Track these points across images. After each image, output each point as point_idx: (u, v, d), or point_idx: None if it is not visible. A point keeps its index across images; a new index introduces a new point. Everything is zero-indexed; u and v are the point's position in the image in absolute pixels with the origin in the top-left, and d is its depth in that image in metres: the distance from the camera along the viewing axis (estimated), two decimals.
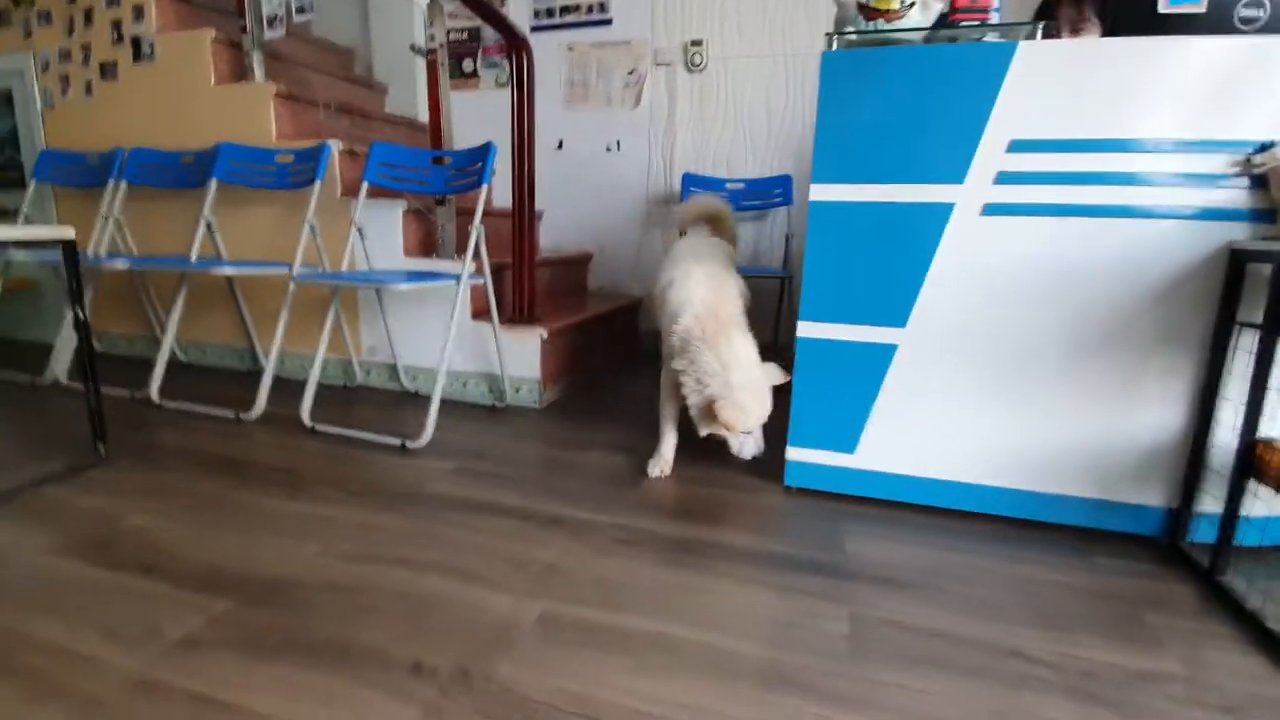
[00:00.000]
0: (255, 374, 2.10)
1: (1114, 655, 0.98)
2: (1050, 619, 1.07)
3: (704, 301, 1.49)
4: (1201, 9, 1.21)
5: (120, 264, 1.95)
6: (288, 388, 2.11)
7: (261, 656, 0.93)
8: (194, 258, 2.13)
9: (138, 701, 0.85)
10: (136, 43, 2.47)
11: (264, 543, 1.25)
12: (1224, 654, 1.00)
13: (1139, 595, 1.15)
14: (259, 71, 2.31)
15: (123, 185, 2.37)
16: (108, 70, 2.55)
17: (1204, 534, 1.28)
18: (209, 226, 2.16)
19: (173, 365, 2.54)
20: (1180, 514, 1.30)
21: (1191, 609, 1.12)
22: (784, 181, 2.70)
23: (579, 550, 1.25)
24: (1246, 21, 1.19)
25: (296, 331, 2.34)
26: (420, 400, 2.05)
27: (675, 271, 1.58)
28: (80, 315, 1.54)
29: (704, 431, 1.49)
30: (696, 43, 2.77)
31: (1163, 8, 1.23)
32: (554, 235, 3.17)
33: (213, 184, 2.15)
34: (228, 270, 2.03)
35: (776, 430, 1.53)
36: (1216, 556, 1.19)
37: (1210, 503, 1.26)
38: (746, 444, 1.50)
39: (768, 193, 2.72)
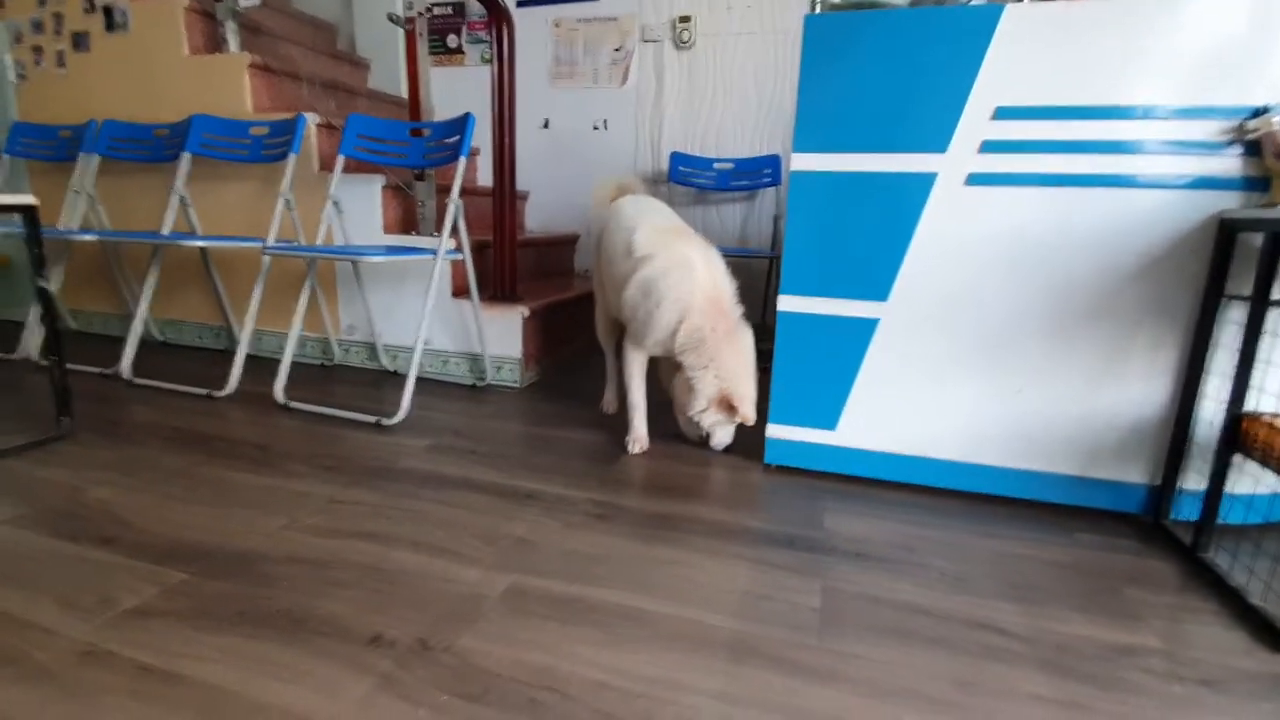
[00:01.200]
0: (232, 353, 2.06)
1: (1090, 629, 0.96)
2: (1025, 593, 1.05)
3: (708, 296, 1.46)
4: None
5: (88, 236, 1.90)
6: (264, 366, 2.07)
7: (214, 627, 0.91)
8: (166, 231, 2.08)
9: (85, 670, 0.82)
10: (109, 11, 2.40)
11: (228, 516, 1.22)
12: (1204, 628, 0.98)
13: (1118, 571, 1.13)
14: (233, 42, 2.26)
15: (95, 159, 2.31)
16: (80, 41, 2.49)
17: (1188, 511, 1.26)
18: (182, 200, 2.11)
19: (149, 344, 2.51)
20: (1163, 491, 1.28)
21: (1172, 585, 1.10)
22: (773, 161, 2.66)
23: (551, 524, 1.22)
24: None
25: (273, 309, 2.30)
26: (400, 380, 2.00)
27: (664, 254, 1.49)
28: (43, 285, 1.50)
29: (707, 420, 1.51)
30: (685, 19, 2.71)
31: None
32: (541, 216, 3.13)
33: (186, 157, 2.10)
34: (198, 243, 1.98)
35: (757, 408, 1.50)
36: (1199, 533, 1.17)
37: (1194, 479, 1.24)
38: (729, 434, 1.57)
39: (757, 172, 2.68)
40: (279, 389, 1.84)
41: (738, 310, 1.51)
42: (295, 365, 2.25)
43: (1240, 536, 1.20)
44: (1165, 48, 1.16)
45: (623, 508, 1.31)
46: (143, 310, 2.01)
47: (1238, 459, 1.13)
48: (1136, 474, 1.31)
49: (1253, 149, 1.14)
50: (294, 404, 1.82)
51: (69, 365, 2.07)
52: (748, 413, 1.46)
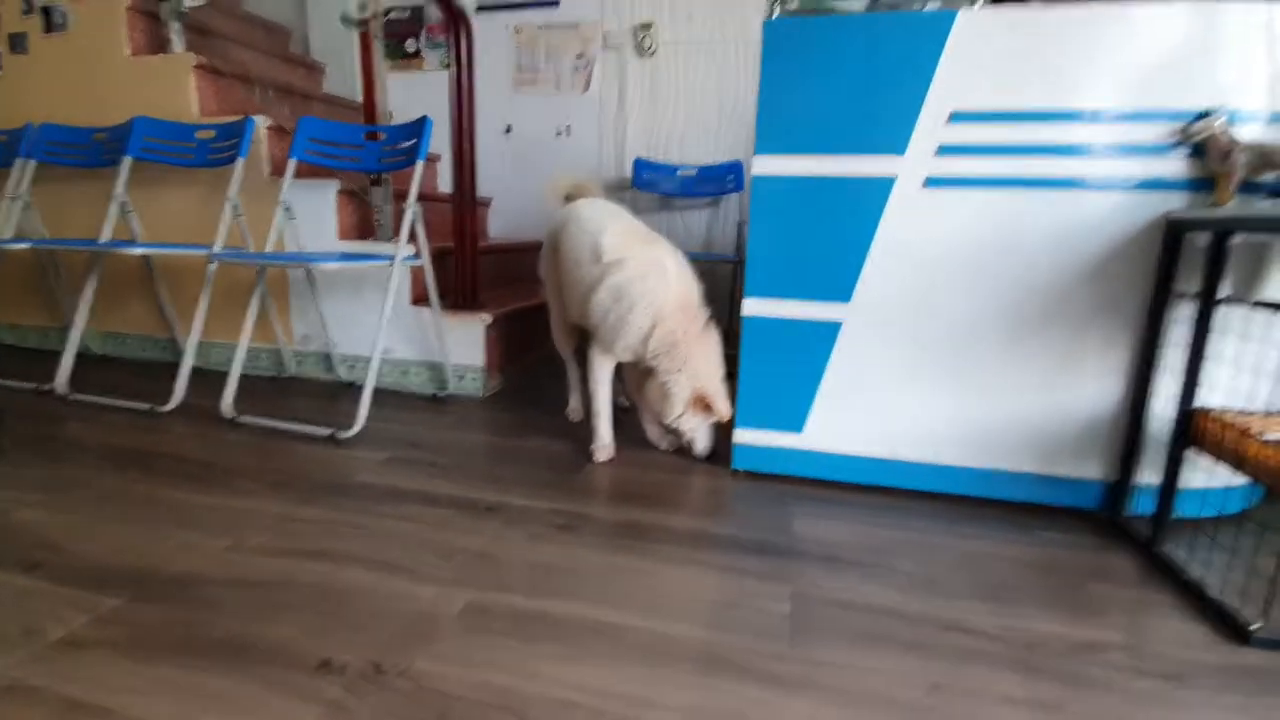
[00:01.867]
0: (177, 366, 1.96)
1: (1057, 626, 0.97)
2: (993, 592, 1.05)
3: (680, 300, 1.46)
4: None
5: (20, 245, 1.79)
6: (213, 380, 1.97)
7: (149, 657, 0.84)
8: (105, 238, 1.97)
9: (6, 707, 0.75)
10: (47, 12, 2.29)
11: (168, 537, 1.15)
12: (1166, 622, 0.99)
13: (1081, 567, 1.15)
14: (178, 42, 2.17)
15: (31, 164, 2.19)
16: (17, 42, 2.36)
17: (1144, 506, 1.28)
18: (123, 207, 2.01)
19: (89, 358, 2.39)
20: (1120, 487, 1.30)
21: (1132, 579, 1.11)
22: (735, 168, 2.68)
23: (513, 537, 1.18)
24: None
25: (222, 320, 2.20)
26: (357, 391, 1.94)
27: (635, 259, 1.47)
28: None
29: (686, 424, 1.50)
30: (646, 26, 2.72)
31: None
32: (503, 223, 3.08)
33: (126, 161, 2.00)
34: (139, 250, 1.89)
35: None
36: (1156, 527, 1.19)
37: (1149, 475, 1.26)
38: (707, 437, 1.56)
39: (720, 179, 2.69)
40: (226, 403, 1.76)
41: (705, 312, 1.51)
42: (246, 378, 2.15)
43: (1195, 530, 1.22)
44: (1113, 54, 1.19)
45: (588, 517, 1.27)
46: (80, 322, 1.91)
47: (1190, 453, 1.15)
48: (1094, 471, 1.33)
49: (1198, 151, 1.18)
50: (243, 418, 1.74)
51: (2, 382, 1.96)
52: (722, 408, 1.45)
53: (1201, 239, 1.17)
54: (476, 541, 1.16)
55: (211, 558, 1.08)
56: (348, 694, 0.79)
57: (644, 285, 1.45)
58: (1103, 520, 1.32)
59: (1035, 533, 1.27)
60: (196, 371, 2.21)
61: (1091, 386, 1.29)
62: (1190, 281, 1.19)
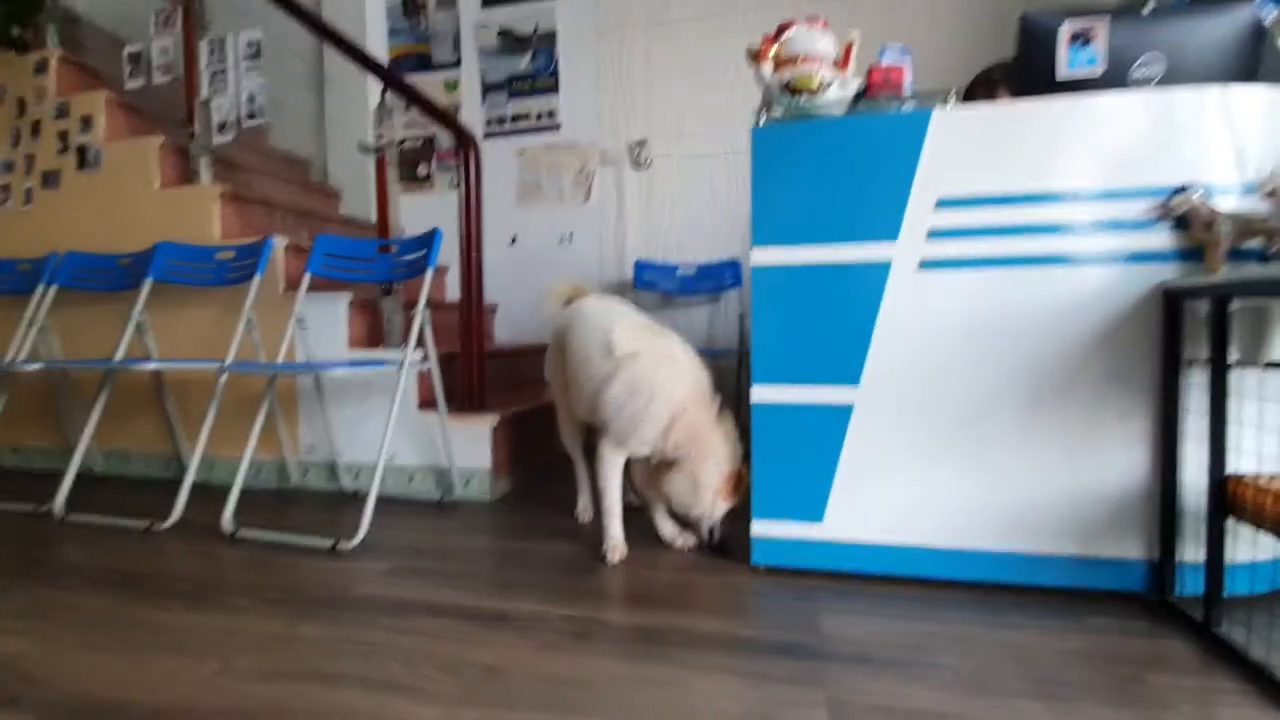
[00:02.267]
0: (180, 483, 1.93)
1: None
2: (1047, 688, 0.96)
3: (695, 390, 1.49)
4: (1097, 73, 1.30)
5: (33, 366, 1.82)
6: (215, 495, 1.93)
7: None
8: (119, 357, 2.01)
9: None
10: (82, 151, 2.47)
11: (155, 663, 1.07)
12: (1236, 712, 0.90)
13: (1135, 656, 1.06)
14: (205, 174, 2.32)
15: (52, 290, 2.27)
16: (50, 179, 2.53)
17: (1192, 585, 1.20)
18: (139, 326, 2.06)
19: (91, 478, 2.35)
20: (1163, 565, 1.23)
21: (1193, 666, 1.02)
22: (733, 266, 2.77)
23: (524, 647, 1.11)
24: (1141, 82, 1.28)
25: (229, 435, 2.19)
26: (361, 500, 1.90)
27: (648, 353, 1.49)
28: None
29: (718, 511, 1.49)
30: (640, 143, 2.91)
31: (1061, 75, 1.31)
32: (509, 328, 3.15)
33: (147, 283, 2.08)
34: (152, 366, 1.92)
35: (739, 507, 1.45)
36: (1209, 608, 1.11)
37: (1193, 550, 1.20)
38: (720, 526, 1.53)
39: (718, 276, 2.77)
40: (227, 517, 1.71)
41: (717, 399, 1.52)
42: (249, 492, 2.11)
43: (1252, 607, 1.14)
44: (1084, 140, 1.26)
45: (603, 623, 1.19)
46: (85, 440, 1.90)
47: (1230, 523, 1.10)
48: (1134, 550, 1.26)
49: (1181, 223, 1.21)
50: (242, 533, 1.68)
51: None
52: (749, 484, 1.44)
53: (1201, 306, 1.18)
54: (485, 654, 1.08)
55: (197, 684, 1.01)
56: None
57: (660, 377, 1.46)
58: (1151, 603, 1.24)
59: (1082, 619, 1.18)
60: (199, 488, 2.17)
61: (1117, 458, 1.26)
62: (1197, 347, 1.19)
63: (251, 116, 2.29)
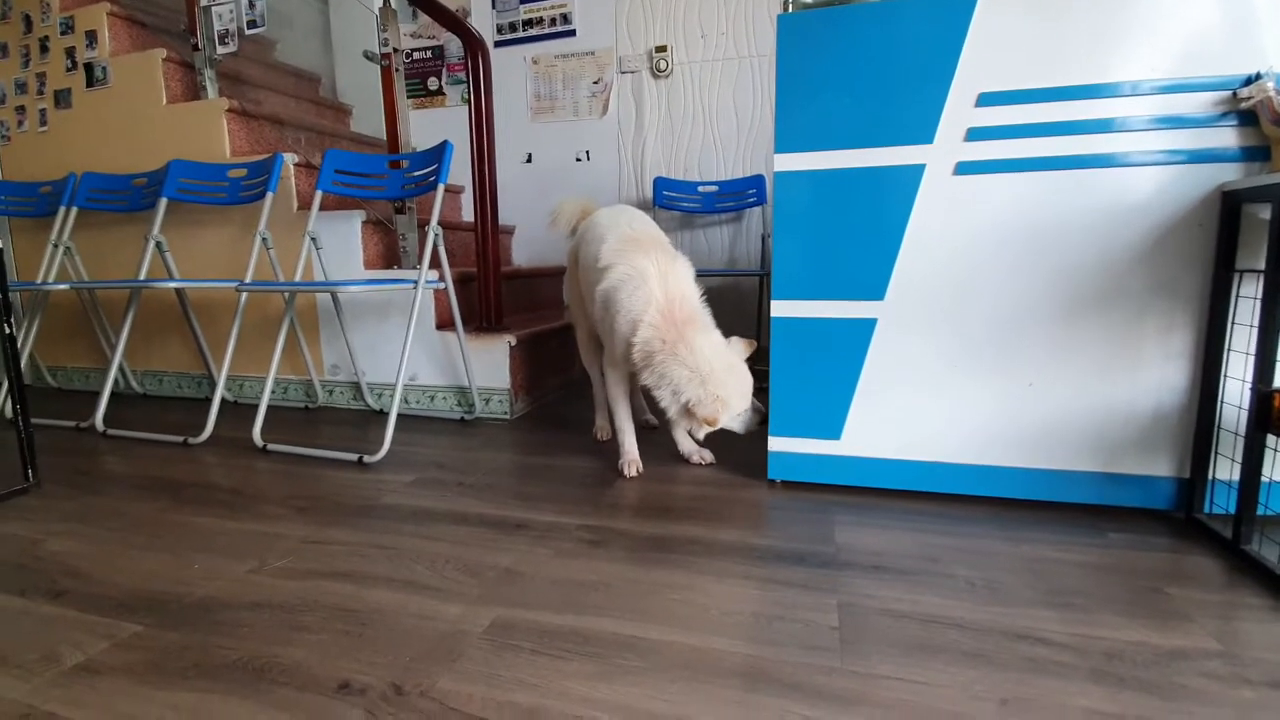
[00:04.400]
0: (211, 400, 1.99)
1: (1139, 634, 0.87)
2: (1063, 598, 0.96)
3: (658, 307, 1.37)
4: None
5: (60, 286, 1.85)
6: (246, 413, 1.99)
7: (164, 682, 0.81)
8: (141, 277, 2.03)
9: None
10: (90, 68, 2.42)
11: (192, 562, 1.13)
12: (1262, 625, 0.89)
13: (1157, 570, 1.04)
14: (211, 89, 2.26)
15: (73, 211, 2.28)
16: (62, 98, 2.49)
17: (1222, 503, 1.17)
18: (159, 246, 2.06)
19: (129, 397, 2.44)
20: (1194, 483, 1.20)
21: (1217, 582, 1.01)
22: (757, 181, 2.65)
23: (542, 553, 1.13)
24: None
25: (254, 355, 2.24)
26: (386, 418, 1.94)
27: (620, 266, 1.42)
28: (7, 329, 1.43)
29: (686, 430, 1.43)
30: (661, 49, 2.74)
31: None
32: (528, 250, 3.10)
33: (162, 203, 2.07)
34: (172, 285, 1.93)
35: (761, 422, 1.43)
36: (1239, 525, 1.08)
37: (1226, 468, 1.16)
38: (739, 421, 1.44)
39: (742, 193, 2.66)
40: (256, 432, 1.76)
41: (702, 316, 1.41)
42: (278, 409, 2.18)
43: None
44: (1149, 23, 1.13)
45: (618, 532, 1.22)
46: (118, 358, 1.95)
47: (1271, 441, 1.05)
48: (1163, 467, 1.23)
49: (1248, 118, 1.11)
50: (272, 446, 1.73)
51: (43, 421, 2.00)
52: (707, 414, 1.32)
53: (1262, 210, 1.09)
54: (504, 559, 1.12)
55: (234, 582, 1.06)
56: (368, 716, 0.74)
57: (620, 294, 1.40)
58: (1178, 520, 1.22)
59: (1103, 535, 1.17)
60: (231, 405, 2.25)
61: (1154, 374, 1.20)
62: (1254, 256, 1.11)
63: (253, 25, 2.20)
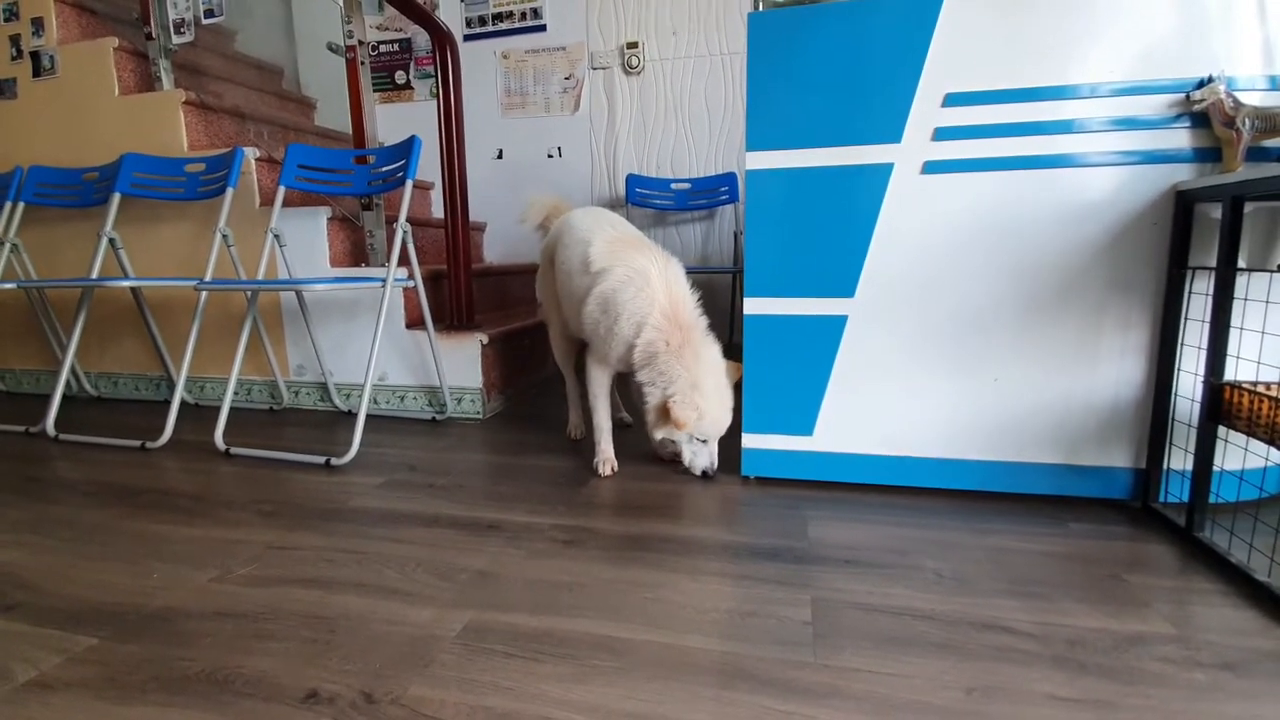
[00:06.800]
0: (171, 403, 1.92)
1: (1099, 621, 0.90)
2: (1027, 588, 0.98)
3: (662, 310, 1.38)
4: None
5: (8, 286, 1.77)
6: (208, 415, 1.94)
7: (122, 697, 0.78)
8: (94, 275, 1.95)
9: None
10: (36, 57, 2.31)
11: (149, 572, 1.09)
12: (1214, 610, 0.92)
13: (1116, 558, 1.08)
14: (166, 80, 2.18)
15: (20, 207, 2.18)
16: (6, 88, 2.38)
17: (1177, 492, 1.22)
18: (113, 243, 1.99)
19: (82, 400, 2.35)
20: (1149, 473, 1.24)
21: (1172, 568, 1.05)
22: (729, 179, 2.66)
23: (515, 554, 1.12)
24: None
25: (216, 355, 2.18)
26: (354, 419, 1.91)
27: (619, 268, 1.42)
28: None
29: (658, 435, 1.41)
30: (632, 45, 2.73)
31: None
32: (500, 247, 3.07)
33: (115, 198, 1.99)
34: (127, 284, 1.86)
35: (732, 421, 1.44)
36: (1192, 513, 1.12)
37: (1180, 458, 1.20)
38: (700, 455, 1.44)
39: (714, 191, 2.68)
40: (219, 435, 1.71)
41: (701, 322, 1.44)
42: (241, 411, 2.12)
43: (1236, 513, 1.15)
44: (1107, 28, 1.16)
45: (592, 531, 1.21)
46: (69, 360, 1.87)
47: (1222, 431, 1.09)
48: (1121, 458, 1.27)
49: (1201, 120, 1.14)
50: (235, 450, 1.69)
51: None
52: (679, 415, 1.33)
53: (1213, 210, 1.13)
54: (477, 561, 1.10)
55: (195, 591, 1.03)
56: None
57: (625, 294, 1.40)
58: (1135, 509, 1.26)
59: (1065, 525, 1.20)
60: (193, 408, 2.18)
61: (1111, 369, 1.24)
62: (1206, 253, 1.15)
63: (210, 14, 2.13)
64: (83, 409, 2.22)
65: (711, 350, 1.42)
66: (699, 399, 1.35)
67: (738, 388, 1.43)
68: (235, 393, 1.81)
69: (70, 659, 0.86)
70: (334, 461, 1.59)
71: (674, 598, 0.98)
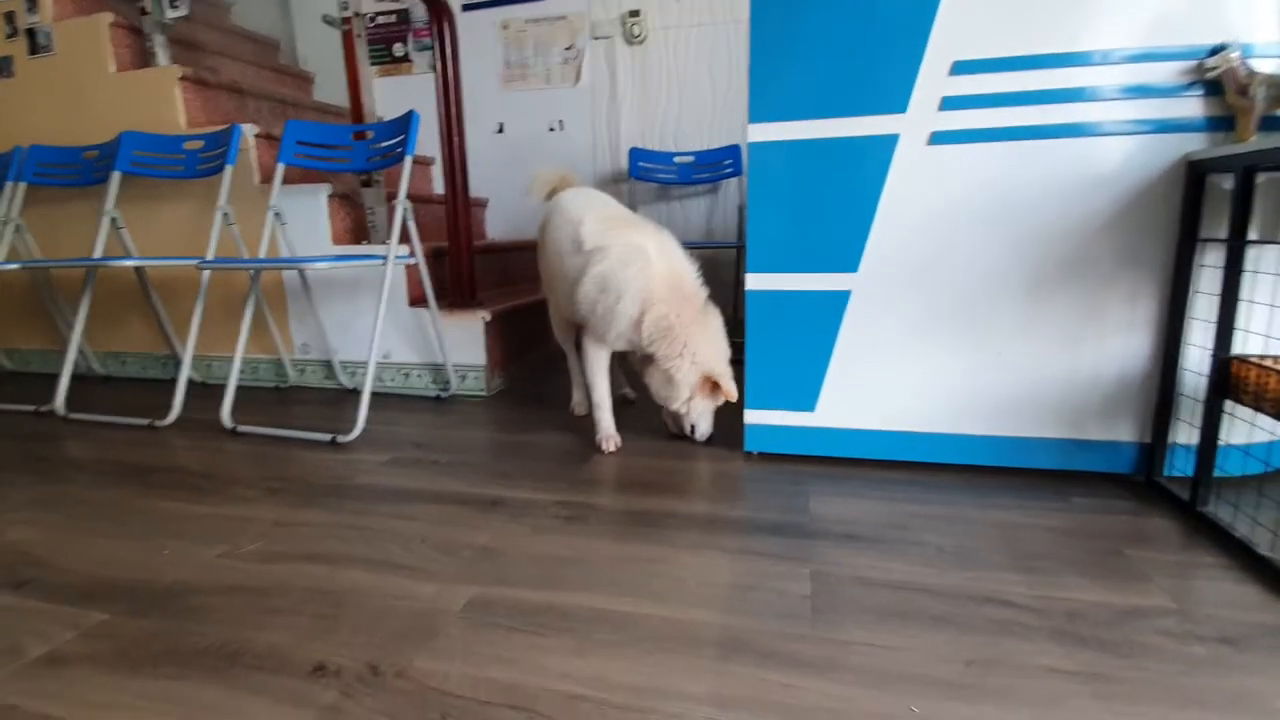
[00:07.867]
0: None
1: (1099, 594, 0.90)
2: (1028, 562, 0.99)
3: (668, 284, 1.39)
4: None
5: (11, 266, 1.77)
6: (215, 394, 1.94)
7: (134, 670, 0.80)
8: (97, 255, 1.95)
9: None
10: (32, 34, 2.28)
11: (161, 548, 1.10)
12: (1215, 584, 0.92)
13: (1119, 533, 1.08)
14: (163, 56, 2.15)
15: (21, 187, 2.17)
16: (3, 67, 2.36)
17: (1182, 466, 1.21)
18: (114, 222, 1.98)
19: (90, 379, 2.37)
20: (1154, 447, 1.23)
21: (1175, 542, 1.05)
22: (733, 152, 2.62)
23: (518, 530, 1.13)
24: None
25: (222, 334, 2.18)
26: (359, 397, 1.91)
27: (616, 246, 1.41)
28: None
29: (684, 408, 1.45)
30: (634, 13, 2.67)
31: None
32: (503, 223, 3.04)
33: (115, 176, 1.98)
34: (130, 264, 1.86)
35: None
36: (1196, 487, 1.12)
37: (1185, 433, 1.19)
38: (705, 422, 1.50)
39: (718, 164, 2.64)
40: (225, 413, 1.72)
41: (702, 293, 1.45)
42: (248, 389, 2.13)
43: (1240, 487, 1.15)
44: None
45: (595, 507, 1.22)
46: (76, 340, 1.88)
47: (1228, 405, 1.08)
48: (1126, 432, 1.26)
49: (1214, 89, 1.11)
50: (242, 428, 1.70)
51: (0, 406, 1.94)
52: (730, 388, 1.39)
53: (1225, 181, 1.11)
54: (481, 537, 1.11)
55: (204, 566, 1.04)
56: (343, 698, 0.74)
57: (628, 272, 1.39)
58: (1139, 483, 1.26)
59: (1068, 500, 1.20)
60: (199, 386, 2.19)
61: (1118, 342, 1.23)
62: (1216, 225, 1.13)
63: None
64: (91, 388, 2.24)
65: (717, 321, 1.45)
66: (727, 367, 1.41)
67: (736, 363, 1.43)
68: (241, 371, 1.82)
69: (82, 634, 0.88)
70: (340, 439, 1.60)
71: (675, 572, 0.99)
